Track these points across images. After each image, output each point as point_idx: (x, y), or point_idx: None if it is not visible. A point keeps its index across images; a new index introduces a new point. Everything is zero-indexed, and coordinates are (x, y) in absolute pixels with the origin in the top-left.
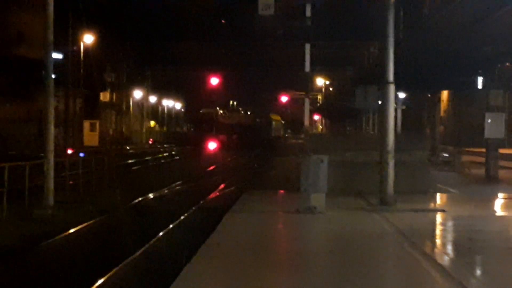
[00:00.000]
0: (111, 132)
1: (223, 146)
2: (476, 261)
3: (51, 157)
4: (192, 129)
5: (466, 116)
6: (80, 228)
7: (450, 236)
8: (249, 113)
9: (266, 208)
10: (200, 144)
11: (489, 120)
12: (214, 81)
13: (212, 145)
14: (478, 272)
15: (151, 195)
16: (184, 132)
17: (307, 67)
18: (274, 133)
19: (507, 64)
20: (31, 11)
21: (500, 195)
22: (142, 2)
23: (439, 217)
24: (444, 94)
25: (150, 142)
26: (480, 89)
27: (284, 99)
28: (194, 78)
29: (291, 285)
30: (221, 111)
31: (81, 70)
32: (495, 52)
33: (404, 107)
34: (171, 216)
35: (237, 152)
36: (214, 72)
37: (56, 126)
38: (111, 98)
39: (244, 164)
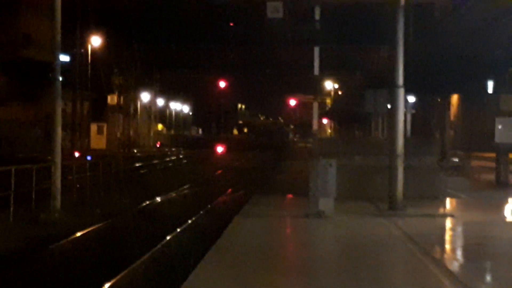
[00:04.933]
0: (118, 135)
1: (259, 148)
2: (486, 267)
3: (58, 160)
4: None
5: (477, 120)
6: (87, 232)
7: (459, 242)
8: (281, 120)
9: (275, 212)
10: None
11: (500, 125)
12: (222, 84)
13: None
14: (488, 278)
15: (158, 199)
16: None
17: (316, 71)
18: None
19: None
20: (38, 14)
21: (511, 200)
22: (150, 5)
23: (448, 223)
24: (454, 98)
25: (158, 145)
26: (490, 94)
27: (292, 102)
28: (202, 81)
29: None
30: (262, 118)
31: (89, 73)
32: (506, 56)
33: (413, 111)
34: (179, 220)
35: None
36: (223, 75)
37: (63, 129)
38: (118, 101)
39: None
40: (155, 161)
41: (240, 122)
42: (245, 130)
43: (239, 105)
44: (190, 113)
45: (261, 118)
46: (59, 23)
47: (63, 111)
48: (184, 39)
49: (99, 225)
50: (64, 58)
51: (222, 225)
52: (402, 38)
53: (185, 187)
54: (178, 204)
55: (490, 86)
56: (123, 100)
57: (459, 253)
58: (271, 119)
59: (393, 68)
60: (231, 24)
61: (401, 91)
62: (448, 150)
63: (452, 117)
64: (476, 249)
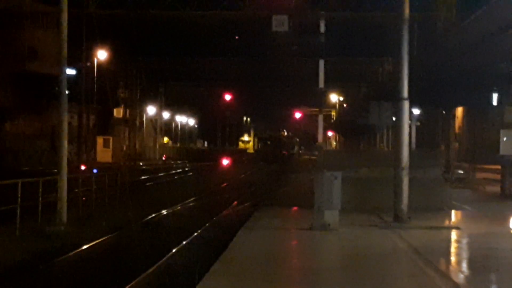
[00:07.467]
0: (124, 148)
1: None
2: (492, 279)
3: (64, 173)
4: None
5: (481, 132)
6: (93, 245)
7: (464, 254)
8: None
9: (280, 224)
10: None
11: (505, 137)
12: (228, 97)
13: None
14: None
15: (164, 211)
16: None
17: (321, 83)
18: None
19: None
20: (44, 28)
21: None
22: (155, 19)
23: (453, 235)
24: (459, 110)
25: (164, 158)
26: (495, 106)
27: (297, 115)
28: (207, 94)
29: None
30: (283, 132)
31: (95, 86)
32: (510, 68)
33: (418, 123)
34: (185, 233)
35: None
36: (228, 88)
37: (69, 142)
38: (124, 114)
39: None
40: (161, 174)
41: (265, 136)
42: (269, 143)
43: (244, 118)
44: (196, 126)
45: (282, 133)
46: (65, 37)
47: (69, 124)
48: (189, 52)
49: (105, 238)
50: (70, 71)
51: (227, 238)
52: (406, 51)
53: (190, 199)
54: (184, 216)
55: (495, 98)
56: (129, 113)
57: (464, 265)
58: (287, 134)
59: (398, 81)
60: (236, 38)
61: (406, 104)
62: (453, 162)
63: (456, 129)
64: (481, 261)
